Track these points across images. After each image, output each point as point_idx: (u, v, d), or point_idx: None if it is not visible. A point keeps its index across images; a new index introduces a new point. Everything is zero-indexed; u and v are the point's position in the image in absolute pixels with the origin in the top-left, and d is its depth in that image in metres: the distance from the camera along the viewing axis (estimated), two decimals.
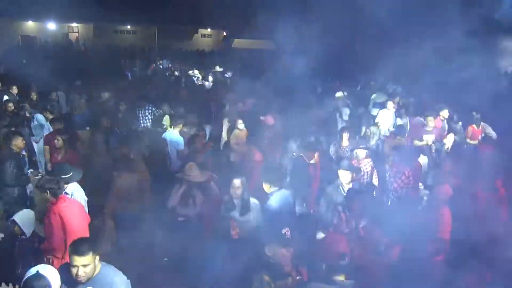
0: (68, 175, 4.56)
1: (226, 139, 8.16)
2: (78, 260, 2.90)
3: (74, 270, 2.91)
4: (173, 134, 7.09)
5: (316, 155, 6.36)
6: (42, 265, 2.86)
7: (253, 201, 4.51)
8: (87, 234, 3.99)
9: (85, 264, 2.92)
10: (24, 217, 3.92)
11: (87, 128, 8.67)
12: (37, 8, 22.15)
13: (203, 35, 33.73)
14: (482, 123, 8.29)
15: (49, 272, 2.75)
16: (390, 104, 9.08)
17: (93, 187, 5.98)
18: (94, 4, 20.15)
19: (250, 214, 4.40)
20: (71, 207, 4.06)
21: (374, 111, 9.87)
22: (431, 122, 7.84)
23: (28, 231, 3.92)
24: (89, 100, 10.04)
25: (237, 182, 4.40)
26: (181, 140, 6.93)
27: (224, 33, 32.84)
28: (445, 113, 8.41)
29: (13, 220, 3.85)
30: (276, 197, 4.56)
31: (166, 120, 8.16)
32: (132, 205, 5.13)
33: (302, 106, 10.29)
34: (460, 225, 4.46)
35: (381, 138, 7.93)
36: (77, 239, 3.11)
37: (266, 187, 4.65)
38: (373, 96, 11.54)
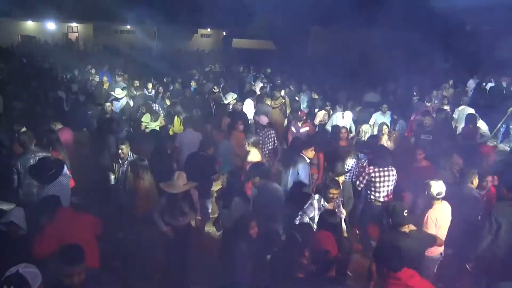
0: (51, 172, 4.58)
1: None
2: (75, 270, 2.80)
3: (67, 280, 2.77)
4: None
5: (319, 155, 6.39)
6: (24, 263, 2.77)
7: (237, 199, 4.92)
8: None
9: (81, 272, 2.83)
10: (18, 215, 3.91)
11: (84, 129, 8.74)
12: (37, 8, 22.16)
13: (203, 35, 33.75)
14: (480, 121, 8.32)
15: (29, 272, 2.68)
16: (384, 108, 9.10)
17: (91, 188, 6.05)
18: (93, 4, 20.18)
19: (231, 207, 4.80)
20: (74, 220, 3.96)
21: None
22: (428, 121, 7.85)
23: (25, 227, 3.93)
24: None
25: (223, 177, 5.71)
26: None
27: (224, 33, 32.87)
28: (442, 116, 8.45)
29: (11, 221, 3.84)
30: (264, 189, 4.77)
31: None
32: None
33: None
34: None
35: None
36: (68, 248, 2.94)
37: (255, 180, 4.85)
38: (366, 96, 11.55)
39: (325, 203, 4.60)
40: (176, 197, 4.61)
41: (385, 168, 5.69)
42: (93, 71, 13.85)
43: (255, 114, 9.36)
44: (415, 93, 11.26)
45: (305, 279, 3.27)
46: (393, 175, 5.71)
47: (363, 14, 16.65)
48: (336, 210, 4.58)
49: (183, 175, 4.66)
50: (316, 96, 11.44)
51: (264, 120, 7.77)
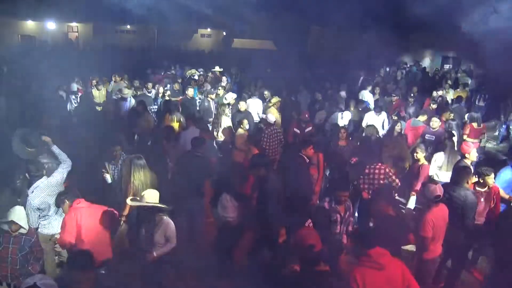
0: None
1: (220, 138, 8.13)
2: (84, 275, 2.83)
3: (76, 287, 2.80)
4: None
5: (319, 155, 6.39)
6: (40, 275, 2.79)
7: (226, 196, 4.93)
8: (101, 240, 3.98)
9: (90, 278, 2.85)
10: (19, 214, 3.92)
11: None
12: (37, 8, 22.13)
13: (202, 35, 33.73)
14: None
15: (46, 284, 2.70)
16: (377, 111, 9.05)
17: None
18: (94, 4, 20.16)
19: (219, 206, 4.91)
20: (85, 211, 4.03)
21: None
22: (436, 123, 7.77)
23: (26, 226, 3.94)
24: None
25: None
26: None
27: (224, 33, 32.85)
28: (447, 116, 8.46)
29: (11, 220, 3.85)
30: (268, 181, 4.89)
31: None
32: None
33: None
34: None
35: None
36: (77, 253, 2.98)
37: (259, 172, 4.99)
38: (360, 94, 11.55)
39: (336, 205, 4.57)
40: (140, 219, 4.40)
41: (370, 166, 5.67)
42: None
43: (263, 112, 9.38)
44: (412, 94, 11.29)
45: (297, 274, 3.30)
46: (378, 174, 5.62)
47: (362, 13, 16.66)
48: (347, 212, 4.58)
49: (152, 192, 4.26)
50: (320, 98, 11.44)
51: (271, 118, 7.76)
